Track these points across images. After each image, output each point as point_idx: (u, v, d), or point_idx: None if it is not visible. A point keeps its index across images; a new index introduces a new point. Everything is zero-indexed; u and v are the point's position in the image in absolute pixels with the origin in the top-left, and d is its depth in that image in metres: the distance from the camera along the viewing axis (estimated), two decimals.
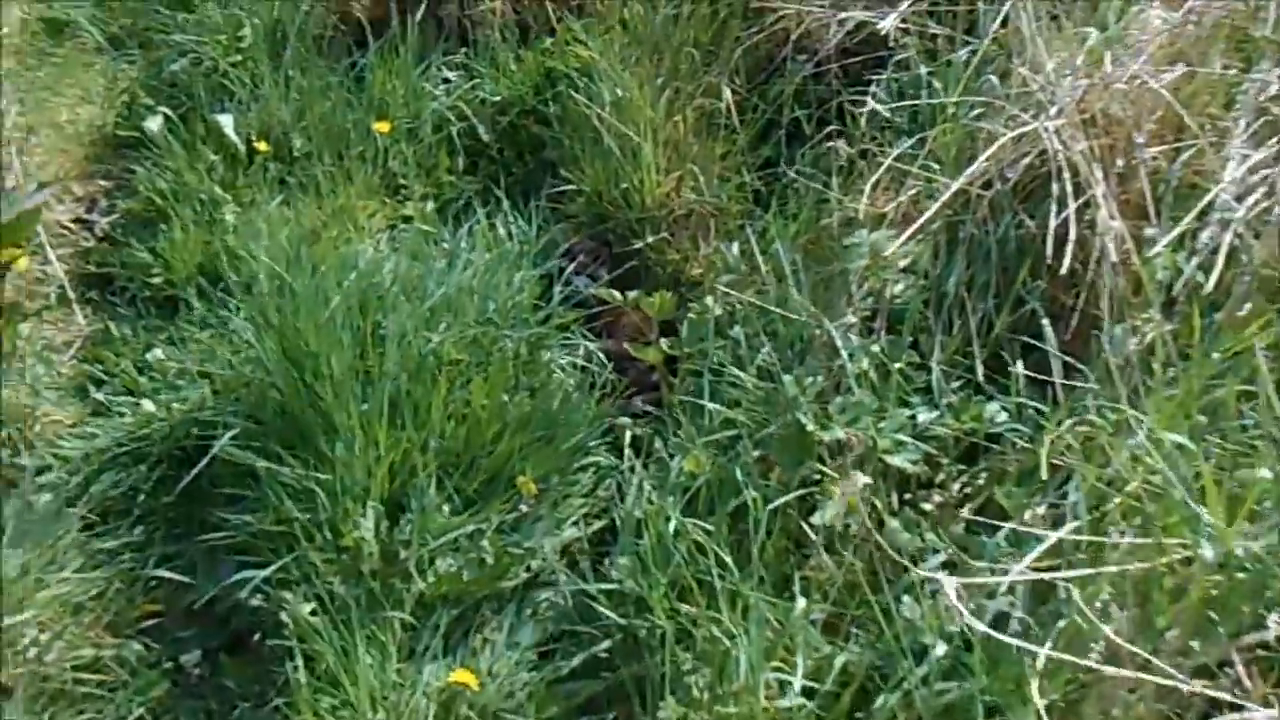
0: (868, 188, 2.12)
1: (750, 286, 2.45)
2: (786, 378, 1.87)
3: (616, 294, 2.39)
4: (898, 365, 1.89)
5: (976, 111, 2.22)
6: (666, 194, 2.82)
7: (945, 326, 2.03)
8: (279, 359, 2.06)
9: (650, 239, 2.80)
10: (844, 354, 1.91)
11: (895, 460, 1.77)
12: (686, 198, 2.78)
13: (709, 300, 2.31)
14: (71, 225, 3.18)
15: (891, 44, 2.75)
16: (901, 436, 1.79)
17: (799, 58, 2.95)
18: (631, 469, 2.15)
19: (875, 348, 1.95)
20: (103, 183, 3.35)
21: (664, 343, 2.26)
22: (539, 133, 3.26)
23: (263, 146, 3.07)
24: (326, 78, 3.29)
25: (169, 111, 3.24)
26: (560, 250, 2.74)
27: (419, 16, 3.32)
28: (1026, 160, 2.06)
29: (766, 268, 2.41)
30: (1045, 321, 1.98)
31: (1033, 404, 1.88)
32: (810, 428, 1.78)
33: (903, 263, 2.04)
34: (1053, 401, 1.91)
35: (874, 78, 2.70)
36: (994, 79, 2.24)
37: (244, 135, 3.15)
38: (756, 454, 1.86)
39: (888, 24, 2.60)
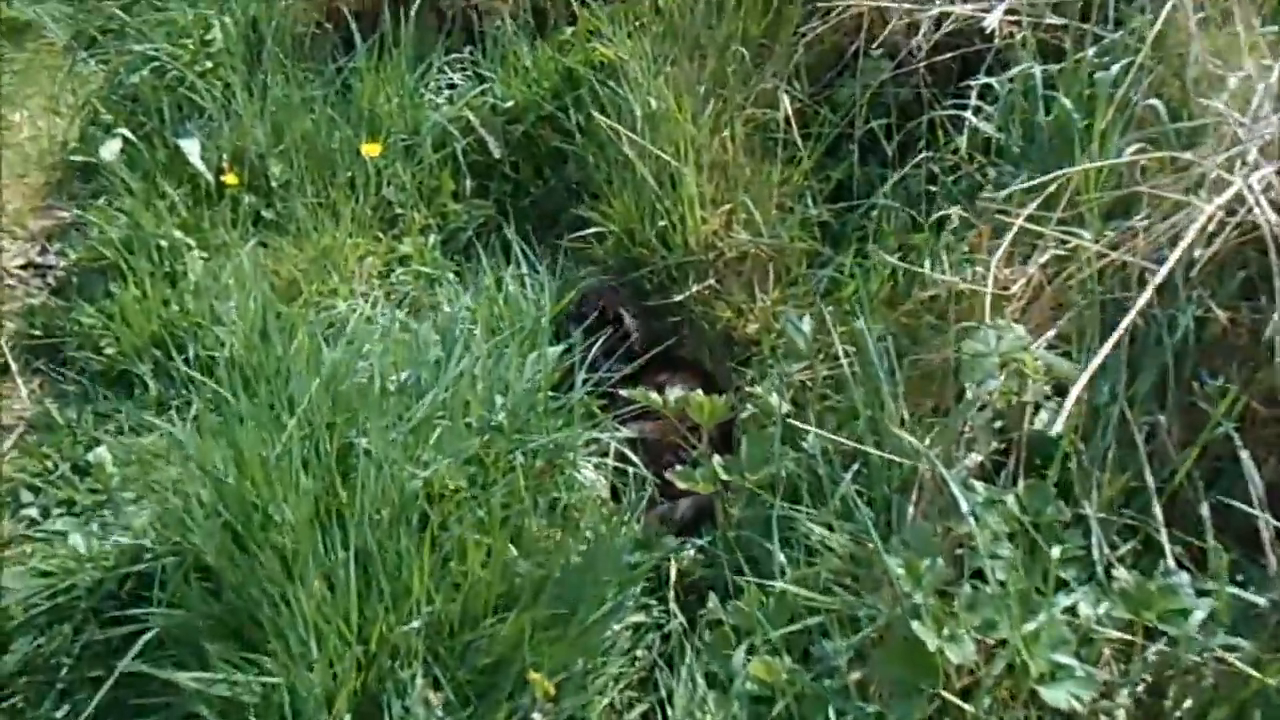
0: (993, 265, 1.52)
1: (826, 363, 1.89)
2: (893, 563, 1.31)
3: (654, 396, 1.82)
4: (1055, 546, 1.32)
5: (1133, 148, 1.61)
6: (713, 232, 2.24)
7: (1101, 460, 1.45)
8: (212, 514, 1.54)
9: (695, 288, 2.22)
10: (969, 519, 1.34)
11: (1055, 695, 1.21)
12: (738, 238, 2.20)
13: (773, 398, 1.75)
14: (21, 272, 2.67)
15: (993, 38, 2.13)
16: (1062, 658, 1.23)
17: (873, 53, 2.34)
18: (682, 632, 1.62)
19: (1010, 500, 1.38)
20: (61, 215, 2.82)
21: (718, 464, 1.70)
22: (560, 146, 2.68)
23: (233, 180, 2.52)
24: (308, 89, 2.71)
25: (128, 133, 2.70)
26: (585, 311, 2.18)
27: (415, 7, 2.73)
28: (1216, 224, 1.45)
29: (845, 345, 1.85)
30: (1245, 455, 1.40)
31: (1237, 590, 1.31)
32: (930, 644, 1.23)
33: (1041, 371, 1.45)
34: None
35: (973, 83, 2.09)
36: (1157, 104, 1.62)
37: (212, 162, 2.60)
38: (854, 675, 1.31)
39: (993, 20, 1.97)
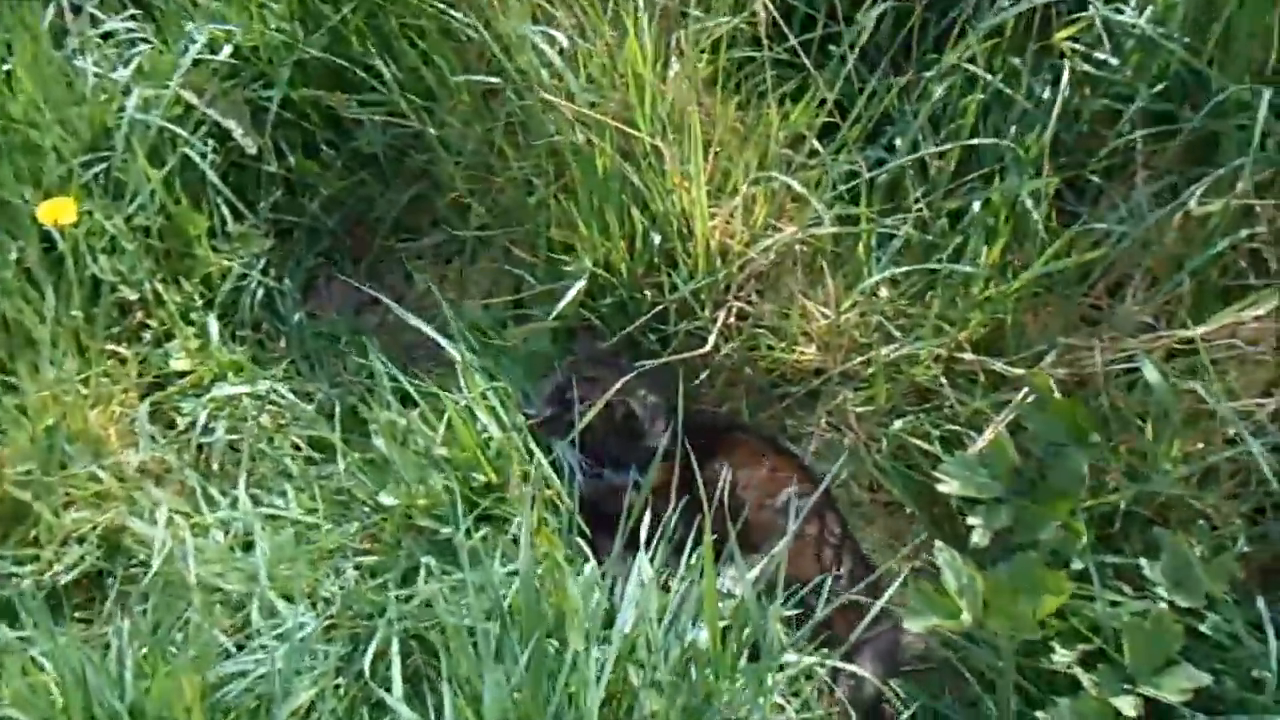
0: None
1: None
2: None
3: None
4: None
5: None
6: (730, 234, 1.41)
7: None
8: None
9: (720, 319, 1.41)
10: None
11: None
12: (780, 235, 1.40)
13: None
14: None
15: None
16: None
17: None
18: None
19: None
20: None
21: (1092, 685, 1.00)
22: (359, 114, 1.61)
23: None
24: None
25: None
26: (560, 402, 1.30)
27: None
28: None
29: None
30: None
31: None
32: None
33: None
34: None
35: None
36: None
37: None
38: None
39: None
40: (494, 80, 1.42)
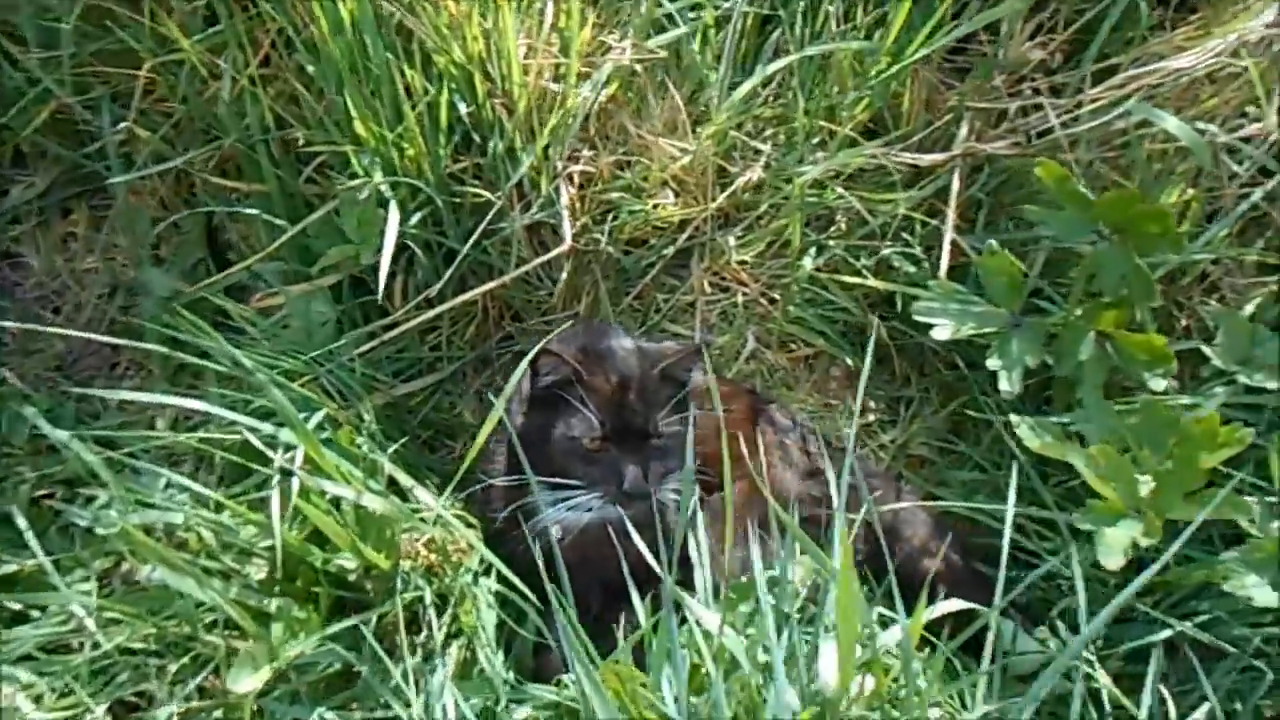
0: None
1: None
2: None
3: None
4: None
5: None
6: (553, 72, 0.93)
7: None
8: None
9: (566, 190, 0.95)
10: None
11: None
12: (620, 58, 0.93)
13: None
14: None
15: None
16: None
17: None
18: None
19: None
20: None
21: None
22: None
23: None
24: None
25: None
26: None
27: None
28: None
29: None
30: None
31: None
32: None
33: None
34: None
35: None
36: None
37: None
38: None
39: None
40: None
